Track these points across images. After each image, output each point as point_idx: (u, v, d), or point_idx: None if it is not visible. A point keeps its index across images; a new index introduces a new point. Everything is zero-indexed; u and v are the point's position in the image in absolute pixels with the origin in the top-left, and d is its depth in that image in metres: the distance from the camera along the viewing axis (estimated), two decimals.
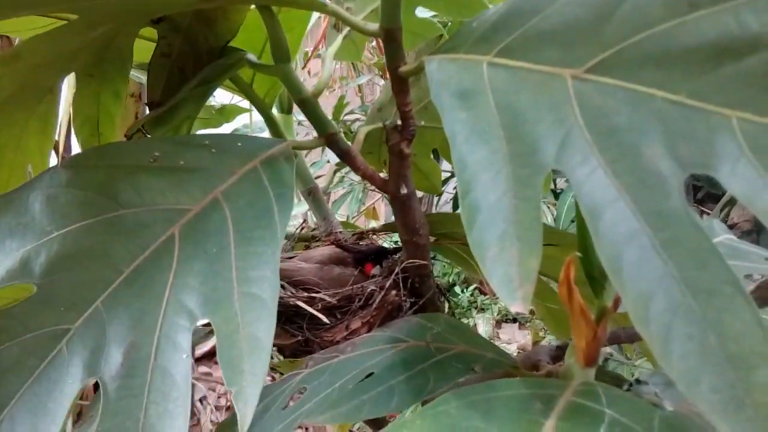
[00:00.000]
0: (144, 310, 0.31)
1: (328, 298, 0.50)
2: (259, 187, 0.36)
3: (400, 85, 0.42)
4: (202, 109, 0.58)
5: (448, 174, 1.51)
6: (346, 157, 0.45)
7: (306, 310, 0.50)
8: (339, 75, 2.35)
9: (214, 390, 2.08)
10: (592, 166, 0.27)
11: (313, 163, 1.80)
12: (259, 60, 0.50)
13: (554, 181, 1.82)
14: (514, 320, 2.92)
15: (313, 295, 0.50)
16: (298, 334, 0.50)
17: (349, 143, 0.46)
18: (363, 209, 2.04)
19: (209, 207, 0.35)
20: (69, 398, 0.28)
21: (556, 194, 1.70)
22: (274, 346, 0.53)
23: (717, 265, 0.24)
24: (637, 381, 0.38)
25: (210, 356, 2.22)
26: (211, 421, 1.96)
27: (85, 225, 0.33)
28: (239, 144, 0.39)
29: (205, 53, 0.49)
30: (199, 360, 2.17)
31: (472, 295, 2.99)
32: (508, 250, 0.26)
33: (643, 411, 0.26)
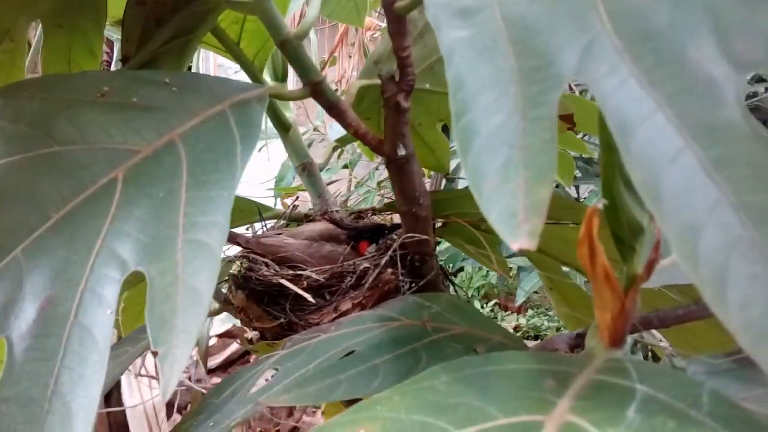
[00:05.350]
0: (70, 260, 0.26)
1: (315, 276, 0.44)
2: (223, 130, 0.31)
3: (396, 24, 0.37)
4: None
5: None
6: (335, 111, 0.40)
7: (290, 289, 0.44)
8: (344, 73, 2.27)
9: None
10: (622, 76, 0.22)
11: (328, 168, 1.74)
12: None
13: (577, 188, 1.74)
14: (536, 337, 2.79)
15: (299, 272, 0.44)
16: (281, 316, 0.44)
17: (340, 96, 0.40)
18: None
19: (162, 150, 0.30)
20: None
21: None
22: (254, 329, 0.47)
23: None
24: (673, 368, 0.31)
25: (224, 367, 2.16)
26: None
27: (11, 162, 0.28)
28: (206, 85, 0.33)
29: (183, 2, 0.44)
30: (212, 371, 2.10)
31: (492, 310, 2.85)
32: (513, 180, 0.21)
33: (686, 385, 0.20)
